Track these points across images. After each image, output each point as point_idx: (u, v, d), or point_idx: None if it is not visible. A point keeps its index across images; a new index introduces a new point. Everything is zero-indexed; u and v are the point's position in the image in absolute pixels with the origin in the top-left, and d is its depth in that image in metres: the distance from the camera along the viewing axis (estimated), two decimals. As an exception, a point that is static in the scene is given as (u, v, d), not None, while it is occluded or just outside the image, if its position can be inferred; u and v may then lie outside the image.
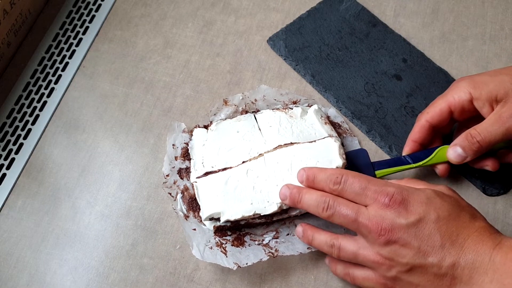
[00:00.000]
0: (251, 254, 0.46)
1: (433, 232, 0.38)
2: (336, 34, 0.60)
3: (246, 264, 0.45)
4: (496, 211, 0.50)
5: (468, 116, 0.48)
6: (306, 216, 0.49)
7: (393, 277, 0.40)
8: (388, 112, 0.55)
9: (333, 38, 0.60)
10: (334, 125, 0.54)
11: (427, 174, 0.51)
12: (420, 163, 0.49)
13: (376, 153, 0.53)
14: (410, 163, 0.49)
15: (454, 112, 0.47)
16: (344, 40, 0.60)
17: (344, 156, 0.48)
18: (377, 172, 0.49)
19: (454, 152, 0.47)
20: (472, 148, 0.45)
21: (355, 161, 0.49)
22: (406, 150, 0.50)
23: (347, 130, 0.54)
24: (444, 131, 0.50)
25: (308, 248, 0.47)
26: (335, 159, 0.47)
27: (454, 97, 0.47)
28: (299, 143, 0.49)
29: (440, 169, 0.49)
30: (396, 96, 0.56)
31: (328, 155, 0.48)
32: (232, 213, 0.46)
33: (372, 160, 0.50)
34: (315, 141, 0.49)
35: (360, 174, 0.42)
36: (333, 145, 0.48)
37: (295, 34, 0.61)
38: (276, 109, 0.54)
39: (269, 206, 0.46)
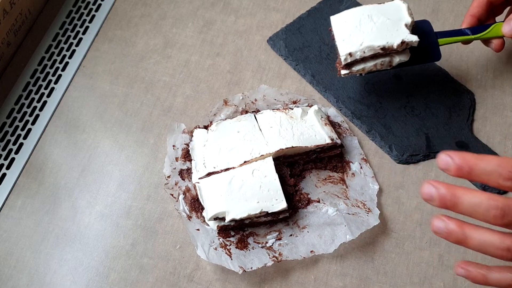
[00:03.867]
0: (256, 258, 0.46)
1: None
2: None
3: (251, 268, 0.46)
4: (496, 211, 0.50)
5: None
6: (307, 217, 0.49)
7: None
8: (388, 112, 0.55)
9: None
10: (334, 125, 0.54)
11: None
12: (478, 35, 0.52)
13: (376, 153, 0.53)
14: (469, 35, 0.52)
15: None
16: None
17: (412, 15, 0.50)
18: (440, 40, 0.52)
19: (508, 26, 0.50)
20: None
21: (419, 30, 0.51)
22: (465, 23, 0.53)
23: (347, 129, 0.54)
24: (498, 12, 0.54)
25: (311, 251, 0.47)
26: (404, 17, 0.50)
27: None
28: (300, 146, 0.49)
29: (495, 43, 0.52)
30: (396, 96, 0.56)
31: (397, 13, 0.50)
32: (237, 212, 0.46)
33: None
34: (383, 2, 0.52)
35: None
36: (402, 5, 0.51)
37: (295, 34, 0.61)
38: (276, 109, 0.54)
39: (277, 203, 0.46)
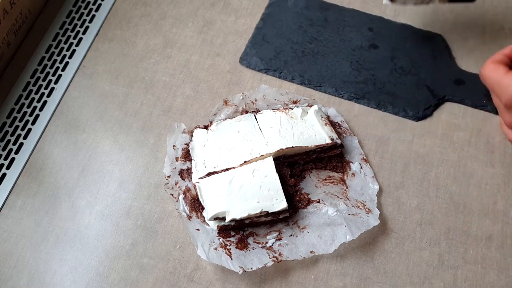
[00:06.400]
0: (256, 258, 0.46)
1: None
2: (299, 29, 0.61)
3: (251, 268, 0.46)
4: (496, 211, 0.50)
5: None
6: (307, 217, 0.49)
7: None
8: (384, 81, 0.57)
9: (298, 35, 0.61)
10: (334, 125, 0.54)
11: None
12: None
13: (376, 153, 0.54)
14: None
15: None
16: (309, 32, 0.61)
17: None
18: None
19: None
20: None
21: None
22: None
23: (347, 129, 0.54)
24: None
25: (311, 252, 0.47)
26: None
27: None
28: (300, 146, 0.49)
29: None
30: (382, 63, 0.59)
31: None
32: (238, 211, 0.46)
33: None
34: None
35: None
36: None
37: (262, 45, 0.60)
38: (276, 109, 0.54)
39: (278, 203, 0.46)
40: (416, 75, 0.58)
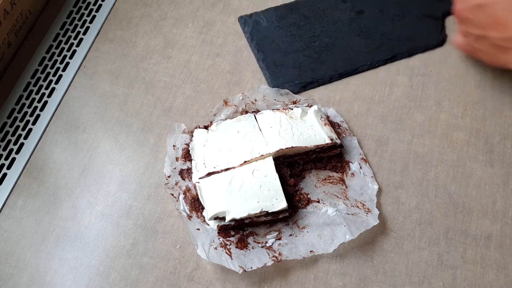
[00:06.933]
0: (255, 258, 0.47)
1: (493, 13, 0.45)
2: (294, 38, 0.61)
3: (251, 268, 0.46)
4: (495, 211, 0.50)
5: None
6: (306, 217, 0.49)
7: (469, 42, 0.51)
8: (384, 31, 0.61)
9: (298, 42, 0.61)
10: (334, 125, 0.54)
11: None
12: None
13: (376, 153, 0.54)
14: None
15: None
16: (304, 34, 0.61)
17: None
18: None
19: (456, 39, 0.56)
20: None
21: None
22: None
23: (347, 129, 0.54)
24: None
25: (310, 251, 0.47)
26: None
27: None
28: (300, 146, 0.49)
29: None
30: (378, 20, 0.62)
31: None
32: (237, 211, 0.46)
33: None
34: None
35: None
36: None
37: (279, 70, 0.59)
38: (276, 109, 0.54)
39: (277, 203, 0.47)
40: (411, 12, 0.61)
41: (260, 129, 0.51)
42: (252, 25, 0.62)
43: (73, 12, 0.65)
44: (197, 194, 0.50)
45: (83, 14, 0.64)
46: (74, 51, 0.62)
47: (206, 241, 0.47)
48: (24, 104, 0.58)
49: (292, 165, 0.52)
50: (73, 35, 0.63)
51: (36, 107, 0.58)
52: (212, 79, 0.59)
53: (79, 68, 0.60)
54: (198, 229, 0.48)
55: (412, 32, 0.57)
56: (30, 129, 0.56)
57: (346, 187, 0.51)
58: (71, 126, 0.56)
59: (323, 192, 0.51)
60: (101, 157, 0.54)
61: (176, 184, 0.51)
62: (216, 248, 0.47)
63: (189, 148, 0.53)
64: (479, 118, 0.55)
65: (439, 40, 0.60)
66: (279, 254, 0.47)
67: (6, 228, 0.51)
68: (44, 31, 0.63)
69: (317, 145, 0.50)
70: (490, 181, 0.52)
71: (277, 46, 0.60)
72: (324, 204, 0.50)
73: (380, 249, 0.49)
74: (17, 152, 0.55)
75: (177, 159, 0.53)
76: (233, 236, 0.48)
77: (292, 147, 0.49)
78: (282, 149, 0.49)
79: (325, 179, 0.52)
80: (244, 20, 0.62)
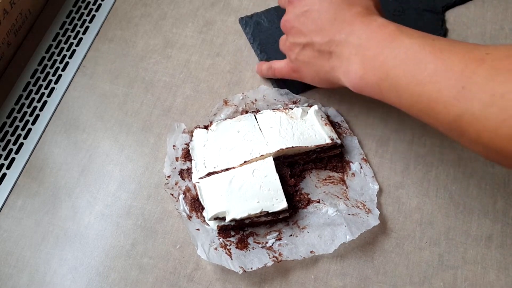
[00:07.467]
0: (255, 258, 0.46)
1: (316, 18, 0.47)
2: None
3: (251, 268, 0.46)
4: (496, 211, 0.50)
5: None
6: (307, 217, 0.49)
7: (295, 59, 0.50)
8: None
9: None
10: (334, 125, 0.54)
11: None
12: None
13: (376, 153, 0.54)
14: None
15: None
16: None
17: None
18: None
19: (257, 67, 0.59)
20: None
21: None
22: None
23: (347, 129, 0.54)
24: None
25: (311, 252, 0.47)
26: None
27: None
28: (300, 146, 0.49)
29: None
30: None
31: None
32: (238, 211, 0.46)
33: None
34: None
35: None
36: None
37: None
38: (276, 109, 0.54)
39: (278, 203, 0.46)
40: (411, 7, 0.61)
41: (260, 129, 0.51)
42: (254, 26, 0.62)
43: (73, 12, 0.64)
44: (197, 194, 0.50)
45: (82, 13, 0.64)
46: (74, 50, 0.61)
47: (206, 242, 0.47)
48: (23, 104, 0.58)
49: (293, 165, 0.52)
50: (73, 34, 0.63)
51: (35, 107, 0.58)
52: (212, 79, 0.59)
53: (78, 68, 0.60)
54: (198, 229, 0.48)
55: (412, 27, 0.57)
56: (30, 129, 0.56)
57: (347, 187, 0.51)
58: (71, 126, 0.56)
59: (324, 192, 0.51)
60: (101, 157, 0.54)
61: (176, 184, 0.51)
62: (216, 249, 0.47)
63: (189, 148, 0.53)
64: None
65: (440, 34, 0.60)
66: (279, 254, 0.47)
67: (5, 228, 0.51)
68: (43, 31, 0.63)
69: (317, 145, 0.50)
70: (491, 181, 0.52)
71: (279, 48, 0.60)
72: (324, 204, 0.50)
73: (380, 249, 0.49)
74: (17, 152, 0.55)
75: (177, 159, 0.52)
76: (233, 236, 0.48)
77: (293, 147, 0.49)
78: (283, 149, 0.49)
79: (325, 179, 0.52)
80: (245, 21, 0.62)
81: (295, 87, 0.56)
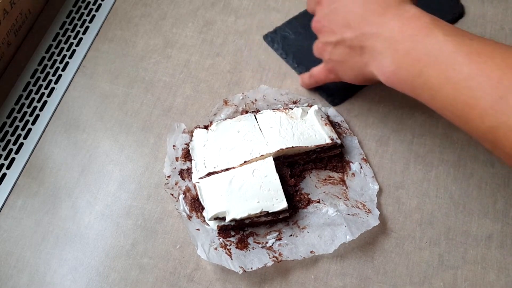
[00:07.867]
0: (256, 258, 0.46)
1: (345, 13, 0.45)
2: None
3: (251, 268, 0.46)
4: (496, 211, 0.50)
5: None
6: (307, 217, 0.49)
7: (329, 59, 0.49)
8: None
9: None
10: (334, 125, 0.54)
11: None
12: None
13: (377, 153, 0.54)
14: None
15: None
16: None
17: None
18: None
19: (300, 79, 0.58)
20: None
21: None
22: None
23: (347, 129, 0.54)
24: None
25: (311, 252, 0.47)
26: None
27: None
28: (300, 146, 0.49)
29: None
30: None
31: None
32: (238, 211, 0.46)
33: None
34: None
35: None
36: None
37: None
38: (276, 109, 0.54)
39: (278, 203, 0.46)
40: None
41: (260, 129, 0.51)
42: (281, 40, 0.60)
43: (73, 12, 0.64)
44: (197, 194, 0.50)
45: (82, 13, 0.64)
46: (74, 50, 0.61)
47: (206, 242, 0.47)
48: (23, 104, 0.58)
49: (293, 165, 0.52)
50: (73, 34, 0.63)
51: (35, 107, 0.58)
52: (212, 79, 0.59)
53: (78, 67, 0.60)
54: (198, 229, 0.48)
55: (427, 9, 0.54)
56: (30, 129, 0.56)
57: (347, 188, 0.51)
58: (71, 126, 0.56)
59: (324, 192, 0.51)
60: (101, 157, 0.54)
61: (176, 184, 0.51)
62: (216, 249, 0.47)
63: (189, 148, 0.53)
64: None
65: (458, 12, 0.60)
66: (279, 254, 0.47)
67: (5, 228, 0.51)
68: (43, 31, 0.63)
69: (317, 145, 0.50)
70: (491, 181, 0.52)
71: (313, 55, 0.56)
72: (324, 204, 0.50)
73: (380, 249, 0.49)
74: (17, 152, 0.55)
75: (177, 159, 0.52)
76: (233, 236, 0.48)
77: (293, 147, 0.49)
78: (283, 149, 0.49)
79: (325, 179, 0.52)
80: (271, 38, 0.61)
81: (339, 96, 0.56)
